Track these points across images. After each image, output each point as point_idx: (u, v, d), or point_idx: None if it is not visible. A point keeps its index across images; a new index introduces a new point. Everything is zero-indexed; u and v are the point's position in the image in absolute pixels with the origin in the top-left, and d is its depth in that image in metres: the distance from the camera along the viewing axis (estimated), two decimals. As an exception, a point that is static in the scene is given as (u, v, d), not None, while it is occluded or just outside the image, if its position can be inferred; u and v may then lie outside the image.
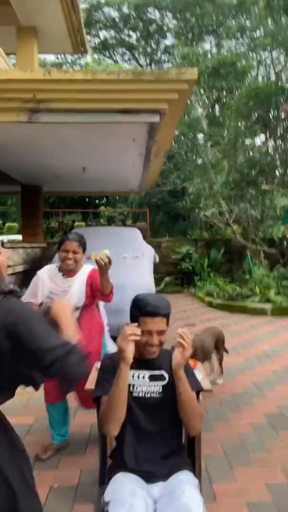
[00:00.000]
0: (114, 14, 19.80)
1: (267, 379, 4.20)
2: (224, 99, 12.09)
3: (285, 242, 10.64)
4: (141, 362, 1.67)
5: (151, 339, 1.65)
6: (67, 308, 1.38)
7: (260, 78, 15.95)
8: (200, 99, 12.08)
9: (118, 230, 8.11)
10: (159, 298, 1.72)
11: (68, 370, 1.14)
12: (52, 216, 13.38)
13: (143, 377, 1.69)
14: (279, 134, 9.99)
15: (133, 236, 7.32)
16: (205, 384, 2.29)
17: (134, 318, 1.71)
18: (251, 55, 16.56)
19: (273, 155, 9.93)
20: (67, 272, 2.60)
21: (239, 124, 9.90)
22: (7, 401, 1.24)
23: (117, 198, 14.52)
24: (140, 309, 1.66)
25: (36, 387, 1.20)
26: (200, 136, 12.46)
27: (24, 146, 5.26)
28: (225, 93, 12.25)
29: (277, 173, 10.09)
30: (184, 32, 17.92)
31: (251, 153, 10.29)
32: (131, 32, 20.35)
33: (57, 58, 19.73)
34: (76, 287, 2.57)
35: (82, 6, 9.69)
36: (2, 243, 7.58)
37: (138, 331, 1.57)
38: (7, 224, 16.79)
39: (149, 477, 1.59)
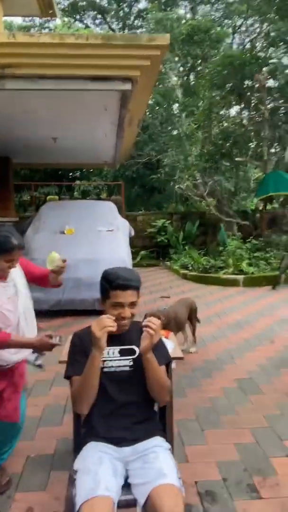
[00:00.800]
0: (85, -27, 18.75)
1: (238, 347, 4.35)
2: (199, 68, 11.85)
3: (257, 215, 10.82)
4: (111, 337, 1.65)
5: (123, 312, 1.65)
6: None
7: (235, 46, 15.67)
8: (174, 68, 11.78)
9: (92, 204, 7.99)
10: (129, 271, 1.72)
11: None
12: (25, 190, 12.98)
13: (113, 353, 1.70)
14: (252, 105, 9.93)
15: (108, 209, 7.25)
16: (177, 352, 2.35)
17: (104, 292, 1.70)
18: (226, 21, 16.17)
19: (247, 126, 9.90)
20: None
21: (213, 94, 9.75)
22: None
23: (92, 171, 14.20)
24: (111, 283, 1.66)
25: None
26: (175, 106, 12.24)
27: (-10, 115, 5.02)
28: (199, 61, 11.99)
29: (251, 145, 10.10)
30: (157, -5, 17.20)
31: (225, 124, 10.22)
32: (102, -6, 19.39)
33: (24, 21, 18.65)
34: (20, 281, 2.12)
35: None
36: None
37: (114, 324, 1.57)
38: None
39: (120, 442, 1.64)
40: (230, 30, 15.13)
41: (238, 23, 16.40)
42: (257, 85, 9.32)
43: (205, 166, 9.74)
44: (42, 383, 3.44)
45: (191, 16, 16.37)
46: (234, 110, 11.43)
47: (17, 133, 6.16)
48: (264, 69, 9.29)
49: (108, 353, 1.69)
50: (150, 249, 11.53)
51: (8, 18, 16.08)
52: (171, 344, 2.35)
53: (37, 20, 18.69)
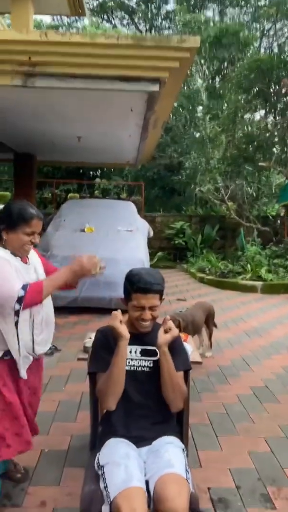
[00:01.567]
0: (114, -26, 18.88)
1: (255, 354, 4.30)
2: (225, 71, 11.76)
3: (278, 221, 10.66)
4: (134, 336, 1.68)
5: (143, 314, 1.66)
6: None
7: (262, 50, 15.50)
8: (200, 70, 11.74)
9: (113, 203, 8.03)
10: (152, 273, 1.71)
11: None
12: (46, 187, 13.15)
13: (135, 352, 1.71)
14: (279, 110, 9.80)
15: (128, 209, 7.27)
16: (195, 356, 2.33)
17: (126, 293, 1.72)
18: (254, 25, 16.02)
19: (271, 131, 9.77)
20: (24, 256, 1.94)
21: (239, 97, 9.67)
22: None
23: (112, 170, 14.27)
24: (133, 285, 1.67)
25: None
26: (199, 108, 12.19)
27: (18, 112, 5.08)
28: (226, 65, 11.91)
29: (275, 150, 9.97)
30: (186, -3, 17.17)
31: (249, 128, 10.11)
32: (131, -5, 19.48)
33: (53, 20, 18.89)
34: (40, 270, 2.01)
35: None
36: None
37: (122, 318, 1.66)
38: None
39: (139, 441, 1.64)
40: (258, 33, 14.98)
41: (267, 27, 16.24)
42: (284, 90, 9.20)
43: (227, 170, 9.66)
44: (57, 379, 3.47)
45: (219, 18, 16.28)
46: (259, 115, 11.32)
47: (43, 131, 6.23)
48: (292, 74, 9.15)
49: (130, 352, 1.70)
50: (168, 251, 11.51)
51: (38, 17, 16.33)
52: (190, 348, 2.34)
53: (65, 20, 18.91)
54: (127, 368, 1.67)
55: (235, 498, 2.09)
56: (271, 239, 9.68)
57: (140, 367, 1.70)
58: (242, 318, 5.77)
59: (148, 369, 1.70)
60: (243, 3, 16.47)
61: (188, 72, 10.41)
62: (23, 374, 1.86)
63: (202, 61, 11.71)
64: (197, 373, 3.63)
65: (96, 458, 1.61)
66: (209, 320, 4.12)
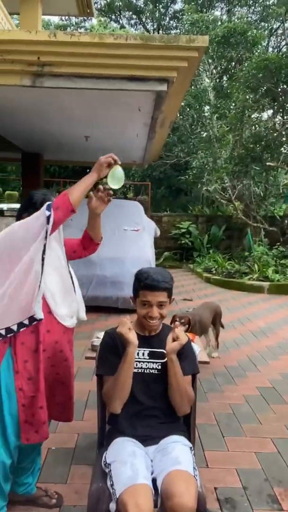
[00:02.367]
0: (122, -26, 18.90)
1: (261, 354, 4.28)
2: (233, 70, 11.72)
3: (286, 221, 10.60)
4: (142, 338, 1.70)
5: (151, 311, 1.66)
6: None
7: (270, 49, 15.41)
8: (208, 69, 11.70)
9: (119, 202, 8.04)
10: (161, 272, 1.71)
11: None
12: (53, 186, 13.22)
13: (143, 354, 1.71)
14: (287, 109, 9.74)
15: (135, 209, 7.28)
16: (203, 356, 2.33)
17: (134, 290, 1.73)
18: (262, 24, 15.93)
19: (279, 130, 9.71)
20: None
21: (247, 97, 9.62)
22: None
23: (119, 169, 14.28)
24: (140, 282, 1.68)
25: None
26: (206, 108, 12.15)
27: (27, 111, 5.12)
28: (234, 64, 11.86)
29: (282, 150, 9.90)
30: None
31: (257, 128, 10.06)
32: (139, -5, 19.49)
33: (61, 20, 18.96)
34: (62, 254, 1.97)
35: None
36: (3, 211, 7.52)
37: (131, 325, 1.66)
38: (7, 192, 16.59)
39: (146, 440, 1.65)
40: (267, 33, 14.89)
41: (275, 26, 16.14)
42: (292, 89, 9.14)
43: (234, 170, 9.62)
44: (64, 377, 3.49)
45: (227, 18, 16.22)
46: (266, 114, 11.25)
47: (50, 130, 6.26)
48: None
49: (137, 354, 1.70)
50: (174, 250, 11.50)
51: (46, 17, 16.39)
52: (197, 347, 2.34)
53: (73, 20, 18.97)
54: (135, 370, 1.67)
55: (242, 498, 2.09)
56: (278, 239, 9.63)
57: (148, 369, 1.71)
58: (248, 319, 5.75)
59: (156, 371, 1.70)
60: (251, 2, 16.40)
61: (196, 72, 10.39)
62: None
63: (210, 61, 11.67)
64: (204, 373, 3.62)
65: (103, 457, 1.62)
66: (216, 320, 4.12)
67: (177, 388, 1.64)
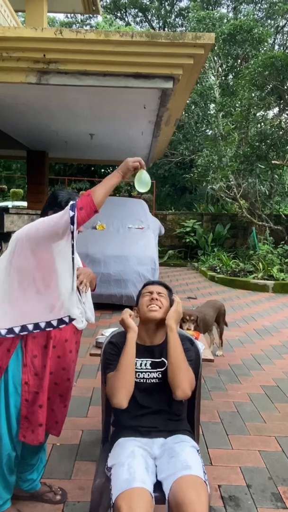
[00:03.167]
0: (128, -29, 18.84)
1: (266, 353, 4.27)
2: (239, 68, 11.66)
3: (291, 219, 10.55)
4: (144, 348, 1.75)
5: (152, 296, 1.80)
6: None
7: (276, 47, 15.32)
8: (213, 67, 11.65)
9: (124, 200, 8.05)
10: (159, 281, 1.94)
11: None
12: (58, 184, 13.25)
13: (145, 365, 1.73)
14: (293, 107, 9.68)
15: (139, 207, 7.28)
16: (207, 354, 2.33)
17: (138, 296, 1.89)
18: (268, 22, 15.84)
19: (285, 128, 9.65)
20: None
21: (253, 94, 9.57)
22: None
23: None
24: (143, 286, 1.90)
25: None
26: (212, 106, 12.11)
27: (32, 109, 5.13)
28: (239, 61, 11.80)
29: (288, 148, 9.84)
30: (200, -6, 17.07)
31: (263, 126, 10.01)
32: (144, -8, 19.43)
33: (67, 17, 18.96)
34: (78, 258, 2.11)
35: None
36: (8, 209, 7.56)
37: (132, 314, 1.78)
38: (12, 190, 16.64)
39: (151, 432, 1.63)
40: (273, 30, 14.81)
41: (281, 23, 16.05)
42: (298, 87, 9.07)
43: (239, 168, 9.58)
44: (68, 374, 3.50)
45: (233, 15, 16.14)
46: (272, 112, 11.19)
47: (55, 128, 6.28)
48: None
49: (140, 365, 1.73)
50: (178, 249, 11.49)
51: (51, 14, 16.39)
52: (201, 345, 2.34)
53: (79, 17, 18.97)
54: (137, 380, 1.68)
55: (245, 496, 2.09)
56: (283, 238, 9.59)
57: (149, 379, 1.72)
58: (253, 317, 5.73)
59: (157, 380, 1.72)
60: (257, -1, 16.32)
61: (201, 69, 10.35)
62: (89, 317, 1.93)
63: (216, 58, 11.62)
64: (207, 371, 3.63)
65: (106, 461, 1.61)
66: (220, 319, 4.11)
67: (177, 362, 1.62)
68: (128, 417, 1.68)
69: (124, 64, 3.58)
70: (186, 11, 18.39)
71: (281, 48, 15.44)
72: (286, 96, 9.45)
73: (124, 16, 20.69)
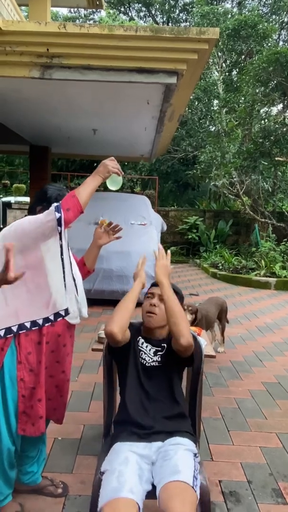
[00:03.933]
0: None
1: (267, 350, 4.27)
2: (243, 63, 11.58)
3: (294, 217, 10.51)
4: (148, 340, 1.83)
5: (152, 300, 1.84)
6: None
7: (281, 43, 15.20)
8: (217, 63, 11.58)
9: (127, 196, 8.03)
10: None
11: None
12: (61, 179, 13.24)
13: (149, 350, 1.80)
14: (297, 104, 9.62)
15: (142, 203, 7.26)
16: (209, 350, 2.33)
17: (145, 295, 1.93)
18: (273, 17, 15.70)
19: (289, 125, 9.60)
20: None
21: (257, 90, 9.52)
22: None
23: (126, 164, 14.26)
24: (150, 285, 1.92)
25: None
26: (215, 102, 12.04)
27: (35, 104, 5.11)
28: (244, 57, 11.72)
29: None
30: (205, -12, 16.92)
31: (266, 122, 9.96)
32: (148, -13, 19.29)
33: (70, 12, 18.86)
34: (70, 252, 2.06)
35: None
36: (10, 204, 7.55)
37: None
38: (15, 185, 16.63)
39: (150, 435, 1.61)
40: (277, 26, 14.69)
41: (286, 19, 15.90)
42: (303, 84, 9.01)
43: (242, 164, 9.54)
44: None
45: (237, 10, 16.01)
46: (276, 109, 11.13)
47: (58, 123, 6.25)
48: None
49: (146, 347, 1.80)
50: (181, 245, 11.48)
51: (54, 9, 16.31)
52: (203, 341, 2.34)
53: (82, 12, 18.86)
54: (141, 360, 1.76)
55: (246, 492, 2.10)
56: (286, 235, 9.56)
57: (151, 362, 1.77)
58: (255, 314, 5.73)
59: (157, 363, 1.77)
60: (262, -6, 16.16)
61: (205, 65, 10.30)
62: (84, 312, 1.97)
63: (220, 54, 11.55)
64: (209, 367, 3.63)
65: (102, 465, 1.57)
66: (222, 316, 4.11)
67: (175, 312, 1.67)
68: (130, 403, 1.68)
69: (128, 59, 3.55)
70: (190, 6, 18.24)
71: (286, 44, 15.31)
72: (290, 93, 9.39)
73: (127, 11, 20.56)
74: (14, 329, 1.72)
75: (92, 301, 5.69)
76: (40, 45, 3.51)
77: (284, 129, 9.27)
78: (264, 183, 9.94)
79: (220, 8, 13.29)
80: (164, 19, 19.95)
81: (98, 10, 16.18)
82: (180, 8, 19.59)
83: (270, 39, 11.46)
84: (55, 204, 1.68)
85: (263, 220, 9.97)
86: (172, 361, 1.75)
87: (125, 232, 7.38)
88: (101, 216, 6.72)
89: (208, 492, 1.56)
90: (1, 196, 15.23)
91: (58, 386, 1.91)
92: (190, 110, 12.00)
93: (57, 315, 1.79)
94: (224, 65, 12.06)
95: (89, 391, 3.13)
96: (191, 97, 11.02)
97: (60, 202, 1.69)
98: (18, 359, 1.74)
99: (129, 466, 1.45)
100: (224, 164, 9.68)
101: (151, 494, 1.46)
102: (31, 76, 3.67)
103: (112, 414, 1.91)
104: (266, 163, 9.49)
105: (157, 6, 19.76)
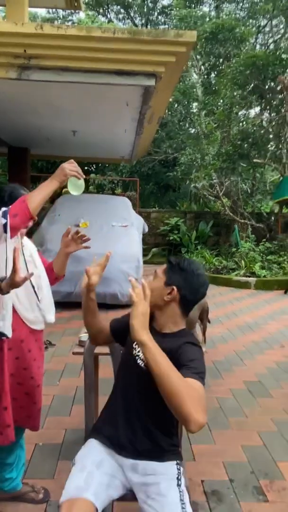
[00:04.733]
0: None
1: (248, 349, 4.33)
2: (221, 67, 11.74)
3: (272, 217, 10.72)
4: (152, 329, 1.53)
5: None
6: None
7: (258, 46, 15.48)
8: (196, 65, 11.70)
9: (107, 198, 8.01)
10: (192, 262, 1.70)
11: None
12: (40, 181, 13.09)
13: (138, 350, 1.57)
14: (274, 106, 9.82)
15: (123, 205, 7.26)
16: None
17: None
18: (250, 21, 15.97)
19: (267, 127, 9.79)
20: None
21: (235, 93, 9.66)
22: None
23: (107, 165, 14.23)
24: None
25: None
26: (195, 104, 12.16)
27: (13, 105, 5.05)
28: (222, 60, 11.88)
29: (269, 147, 9.99)
30: (183, -8, 17.09)
31: (245, 125, 10.12)
32: (127, -11, 19.33)
33: (48, 12, 18.69)
34: (36, 258, 1.93)
35: None
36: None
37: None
38: (-7, 187, 16.34)
39: (123, 449, 1.49)
40: (254, 30, 14.95)
41: (263, 23, 16.22)
42: (279, 87, 9.21)
43: (222, 166, 9.67)
44: (51, 373, 3.47)
45: (215, 14, 16.22)
46: (254, 111, 11.32)
47: (37, 125, 6.19)
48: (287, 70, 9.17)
49: (135, 344, 1.56)
50: (162, 246, 11.52)
51: (33, 10, 16.13)
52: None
53: (61, 13, 18.73)
54: (135, 359, 1.53)
55: (228, 490, 2.12)
56: (265, 236, 9.73)
57: (139, 360, 1.54)
58: (235, 314, 5.80)
59: (143, 362, 1.53)
60: (239, -2, 16.43)
61: (184, 67, 10.40)
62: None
63: (198, 57, 11.67)
64: (191, 368, 3.65)
65: (76, 456, 1.53)
66: (203, 316, 4.14)
67: (170, 389, 1.17)
68: (110, 409, 1.57)
69: (106, 61, 3.55)
70: (168, 8, 18.38)
71: (263, 47, 15.60)
72: (267, 95, 9.59)
73: (106, 13, 20.52)
74: None
75: (74, 304, 5.68)
76: (17, 46, 3.47)
77: (262, 132, 9.45)
78: (243, 184, 10.10)
79: (198, 11, 13.43)
80: (143, 21, 20.00)
81: (77, 11, 16.11)
82: (158, 10, 19.68)
83: (247, 43, 11.65)
84: (4, 209, 1.61)
85: (242, 221, 10.12)
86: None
87: (107, 234, 7.37)
88: (82, 219, 6.69)
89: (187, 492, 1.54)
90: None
91: (29, 393, 1.85)
92: (170, 112, 12.08)
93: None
94: (202, 68, 12.19)
95: (71, 395, 3.11)
96: (171, 99, 11.10)
97: (9, 207, 1.63)
98: None
99: (100, 469, 1.42)
100: (204, 166, 9.78)
101: (130, 497, 1.44)
102: (8, 77, 3.63)
103: (93, 419, 1.89)
104: (244, 165, 9.64)
105: (136, 9, 19.81)
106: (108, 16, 20.45)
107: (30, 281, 1.76)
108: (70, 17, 19.32)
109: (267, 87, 9.45)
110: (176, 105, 12.12)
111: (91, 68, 3.57)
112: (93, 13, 19.64)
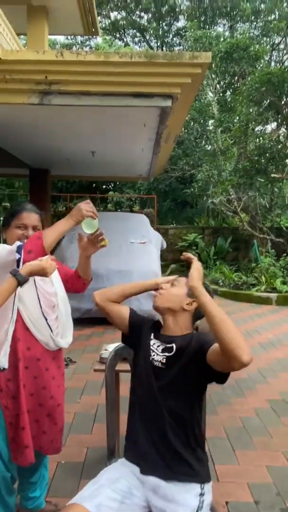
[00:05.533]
0: (126, -6, 19.37)
1: (271, 367, 4.24)
2: (236, 84, 11.88)
3: (292, 232, 10.58)
4: (157, 335, 1.64)
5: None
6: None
7: (272, 64, 15.62)
8: (211, 84, 11.88)
9: (126, 215, 8.12)
10: None
11: None
12: (60, 201, 13.37)
13: (157, 347, 1.60)
14: (290, 122, 9.83)
15: (141, 222, 7.33)
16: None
17: None
18: (264, 39, 16.19)
19: (284, 142, 9.78)
20: None
21: (251, 110, 9.74)
22: None
23: (125, 183, 14.44)
24: None
25: None
26: (210, 122, 12.30)
27: (34, 128, 5.23)
28: (237, 78, 12.03)
29: (287, 161, 9.95)
30: (197, 14, 17.52)
31: (261, 140, 10.15)
32: (142, 13, 19.93)
33: (67, 38, 19.43)
34: (57, 281, 1.94)
35: (94, -15, 9.47)
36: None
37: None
38: (15, 207, 16.76)
39: (145, 462, 1.49)
40: (268, 47, 15.13)
41: (277, 40, 16.40)
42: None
43: (239, 182, 9.67)
44: (73, 391, 3.48)
45: (229, 34, 16.52)
46: (270, 127, 11.35)
47: (58, 147, 6.38)
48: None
49: (154, 345, 1.61)
50: (181, 263, 11.50)
51: (52, 37, 16.82)
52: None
53: (79, 38, 19.43)
54: (152, 361, 1.57)
55: (253, 513, 2.06)
56: (285, 250, 9.60)
57: (157, 362, 1.57)
58: (257, 331, 5.71)
59: (160, 364, 1.55)
60: (252, 17, 16.71)
61: (200, 87, 10.56)
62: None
63: (213, 76, 11.85)
64: (212, 386, 3.59)
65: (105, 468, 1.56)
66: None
67: (222, 323, 1.29)
68: (132, 422, 1.57)
69: (124, 84, 3.66)
70: (183, 30, 18.83)
71: (277, 64, 15.73)
72: (284, 111, 9.62)
73: (122, 37, 21.20)
74: None
75: (94, 320, 5.71)
76: (38, 73, 3.63)
77: (279, 146, 9.44)
78: (261, 199, 10.05)
79: (212, 32, 13.71)
80: (158, 44, 20.53)
81: (94, 36, 16.70)
82: (173, 33, 20.19)
83: (262, 60, 11.77)
84: (19, 243, 1.65)
85: (261, 235, 10.03)
86: (186, 372, 1.47)
87: (125, 251, 7.48)
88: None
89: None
90: (1, 218, 15.35)
91: (50, 414, 1.83)
92: (186, 130, 12.23)
93: None
94: (218, 86, 12.36)
95: (92, 413, 3.10)
96: (187, 118, 11.26)
97: (25, 241, 1.66)
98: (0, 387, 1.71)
99: (113, 486, 1.41)
100: (221, 182, 9.81)
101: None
102: (30, 102, 3.78)
103: (114, 436, 1.89)
104: (262, 180, 9.62)
105: (151, 32, 20.38)
106: (125, 39, 21.09)
107: (42, 312, 1.77)
108: (88, 42, 20.02)
109: (283, 102, 9.49)
110: (192, 123, 12.27)
111: (109, 92, 3.68)
112: (110, 37, 20.29)
